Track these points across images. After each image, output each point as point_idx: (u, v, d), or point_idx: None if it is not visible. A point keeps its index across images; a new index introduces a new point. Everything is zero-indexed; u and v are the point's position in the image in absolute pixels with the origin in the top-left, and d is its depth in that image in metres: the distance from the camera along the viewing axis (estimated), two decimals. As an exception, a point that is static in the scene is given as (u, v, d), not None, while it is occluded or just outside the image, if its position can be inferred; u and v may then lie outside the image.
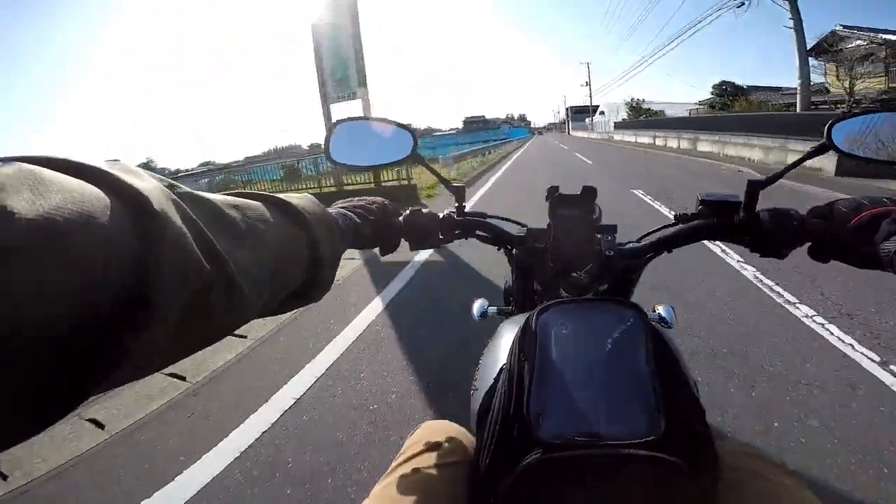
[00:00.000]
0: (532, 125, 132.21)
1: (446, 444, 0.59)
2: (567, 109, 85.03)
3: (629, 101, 40.98)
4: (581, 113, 72.20)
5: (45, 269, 0.16)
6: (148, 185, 0.22)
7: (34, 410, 0.17)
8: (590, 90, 56.82)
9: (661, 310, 0.80)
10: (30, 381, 0.17)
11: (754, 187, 0.59)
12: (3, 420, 0.17)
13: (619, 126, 30.27)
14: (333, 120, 0.68)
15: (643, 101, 40.95)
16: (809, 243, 0.56)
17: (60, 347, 0.17)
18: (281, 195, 0.37)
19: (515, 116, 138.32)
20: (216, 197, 0.29)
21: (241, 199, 0.32)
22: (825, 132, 0.57)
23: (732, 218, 0.60)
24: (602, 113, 47.11)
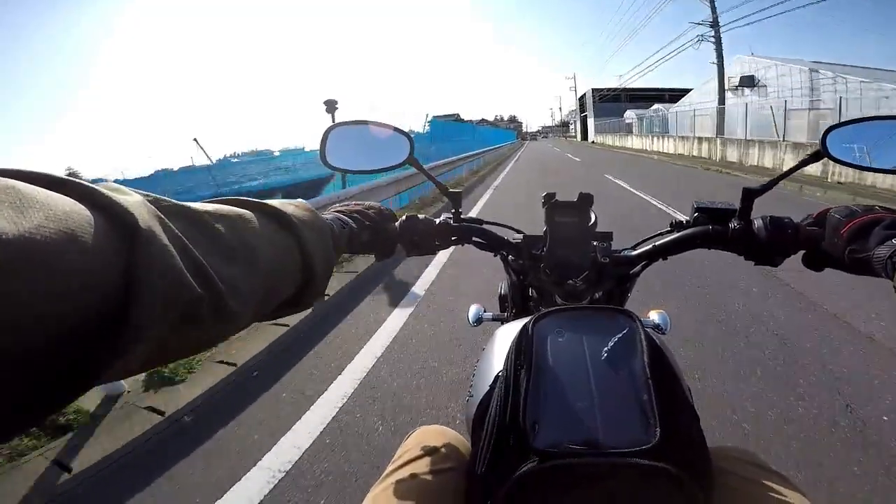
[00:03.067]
0: (524, 128, 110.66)
1: (441, 450, 0.59)
2: (583, 98, 50.41)
3: None
4: (613, 101, 40.59)
5: (25, 290, 0.16)
6: (134, 200, 0.22)
7: (11, 418, 0.18)
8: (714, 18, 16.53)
9: (655, 316, 0.80)
10: (6, 393, 0.17)
11: (749, 195, 0.60)
12: None
13: None
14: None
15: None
16: (804, 251, 0.57)
17: (38, 365, 0.17)
18: (273, 202, 0.36)
19: (504, 117, 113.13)
20: (205, 208, 0.29)
21: (230, 209, 0.31)
22: (820, 139, 0.57)
23: (727, 226, 0.61)
24: (753, 84, 15.42)
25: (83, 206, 0.19)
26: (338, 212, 0.56)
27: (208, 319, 0.24)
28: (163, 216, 0.23)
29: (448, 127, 13.21)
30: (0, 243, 0.15)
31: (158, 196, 0.25)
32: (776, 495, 0.49)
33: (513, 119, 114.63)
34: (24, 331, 0.16)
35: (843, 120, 0.60)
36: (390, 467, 0.58)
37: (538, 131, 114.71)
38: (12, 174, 0.18)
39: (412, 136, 0.69)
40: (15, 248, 0.15)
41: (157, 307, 0.20)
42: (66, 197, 0.19)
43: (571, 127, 74.24)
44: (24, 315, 0.16)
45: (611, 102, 42.09)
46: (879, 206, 0.52)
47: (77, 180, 0.21)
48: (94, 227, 0.19)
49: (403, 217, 0.65)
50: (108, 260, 0.19)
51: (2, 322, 0.15)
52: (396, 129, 0.69)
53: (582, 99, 53.19)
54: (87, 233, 0.18)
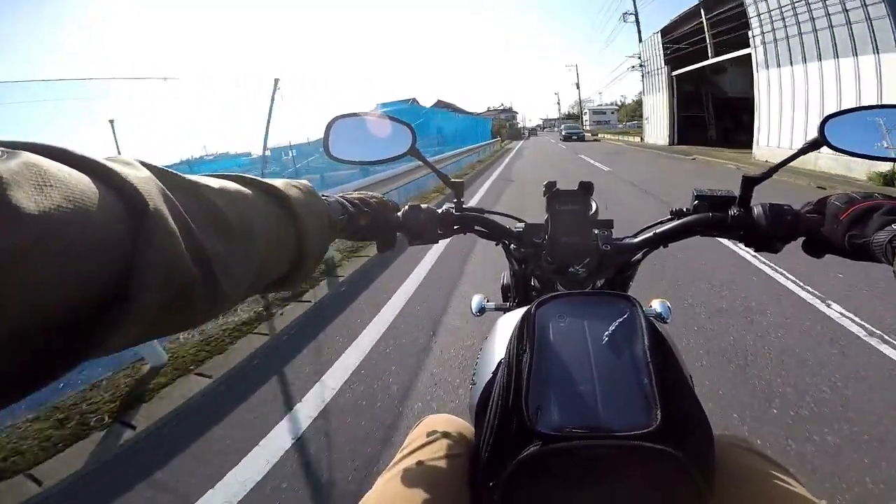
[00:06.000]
0: (520, 121, 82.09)
1: (448, 437, 0.59)
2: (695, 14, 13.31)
3: None
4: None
5: (38, 267, 0.16)
6: (143, 177, 0.22)
7: (10, 383, 0.18)
8: None
9: (657, 305, 0.81)
10: (11, 361, 0.17)
11: (748, 183, 0.60)
12: None
13: None
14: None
15: None
16: (803, 237, 0.58)
17: (41, 340, 0.18)
18: (276, 182, 0.37)
19: (500, 107, 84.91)
20: (208, 182, 0.30)
21: (233, 185, 0.32)
22: (818, 128, 0.58)
23: (727, 213, 0.61)
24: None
25: (98, 186, 0.20)
26: (342, 196, 0.57)
27: (198, 301, 0.25)
28: (169, 193, 0.24)
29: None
30: (22, 223, 0.16)
31: (165, 169, 0.26)
32: (775, 482, 0.50)
33: (507, 110, 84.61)
34: (35, 308, 0.17)
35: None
36: (398, 455, 0.59)
37: (538, 126, 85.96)
38: (29, 147, 0.19)
39: (412, 128, 0.70)
40: (35, 227, 0.16)
41: (153, 288, 0.21)
42: (82, 175, 0.20)
43: (586, 118, 58.23)
44: (37, 293, 0.16)
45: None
46: (878, 194, 0.53)
47: (92, 157, 0.21)
48: (108, 209, 0.20)
49: (406, 206, 0.66)
50: (117, 241, 0.20)
51: (19, 300, 0.16)
52: (398, 121, 0.70)
53: (675, 28, 17.27)
54: (101, 215, 0.19)
